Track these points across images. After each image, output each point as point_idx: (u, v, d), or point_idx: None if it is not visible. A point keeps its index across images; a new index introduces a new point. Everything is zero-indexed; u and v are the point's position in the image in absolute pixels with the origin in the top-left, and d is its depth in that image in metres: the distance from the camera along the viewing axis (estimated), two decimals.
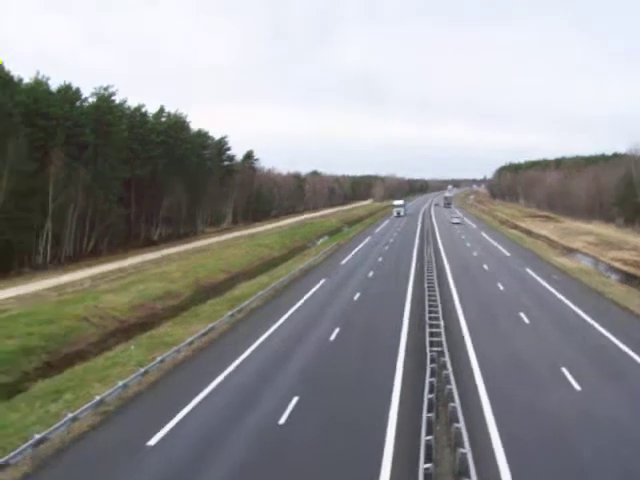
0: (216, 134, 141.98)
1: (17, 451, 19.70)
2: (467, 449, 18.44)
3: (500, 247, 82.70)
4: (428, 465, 17.81)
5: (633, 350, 31.16)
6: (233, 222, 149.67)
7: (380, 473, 18.70)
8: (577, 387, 25.92)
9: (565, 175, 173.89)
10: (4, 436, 21.98)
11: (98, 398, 24.41)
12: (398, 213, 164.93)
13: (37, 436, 20.66)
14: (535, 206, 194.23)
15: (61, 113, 77.37)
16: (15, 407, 25.75)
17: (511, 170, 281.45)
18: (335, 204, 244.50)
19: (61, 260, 76.96)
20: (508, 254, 74.64)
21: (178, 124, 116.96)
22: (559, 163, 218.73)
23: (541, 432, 21.70)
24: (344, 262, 69.74)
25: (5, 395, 28.45)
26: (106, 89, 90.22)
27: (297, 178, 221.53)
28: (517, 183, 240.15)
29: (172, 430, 22.21)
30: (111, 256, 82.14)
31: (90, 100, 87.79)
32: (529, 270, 59.72)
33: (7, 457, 19.20)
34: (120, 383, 26.28)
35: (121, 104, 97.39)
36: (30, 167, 69.09)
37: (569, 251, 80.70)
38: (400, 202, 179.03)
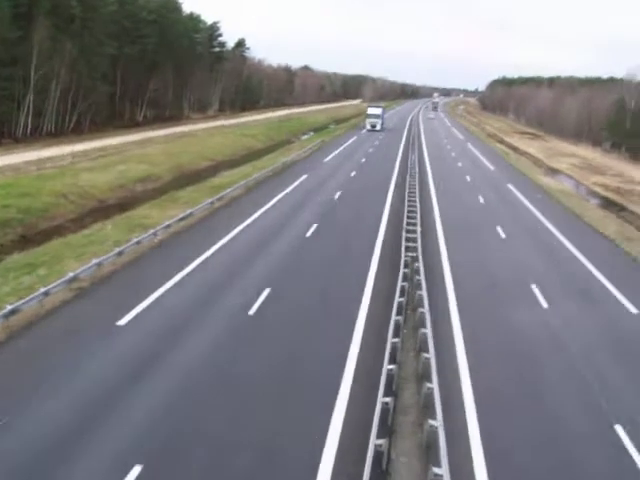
0: (208, 19, 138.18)
1: None
2: (431, 354, 18.93)
3: (485, 160, 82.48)
4: (392, 367, 18.29)
5: (602, 273, 31.66)
6: (220, 110, 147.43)
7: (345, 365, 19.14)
8: (544, 305, 26.42)
9: (558, 94, 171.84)
10: None
11: (72, 274, 24.52)
12: (372, 126, 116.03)
13: (9, 307, 20.82)
14: (524, 123, 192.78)
15: None
16: None
17: (504, 84, 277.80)
18: (324, 101, 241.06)
19: (42, 134, 75.72)
20: (492, 168, 74.55)
21: (170, 4, 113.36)
22: (553, 82, 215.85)
23: (501, 341, 22.45)
24: (327, 159, 69.35)
25: None
26: None
27: (288, 71, 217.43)
28: (509, 98, 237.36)
29: (142, 312, 22.47)
30: (93, 134, 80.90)
31: None
32: (511, 186, 59.82)
33: None
34: (95, 261, 26.38)
35: None
36: (13, 35, 66.91)
37: (553, 171, 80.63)
38: (376, 110, 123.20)
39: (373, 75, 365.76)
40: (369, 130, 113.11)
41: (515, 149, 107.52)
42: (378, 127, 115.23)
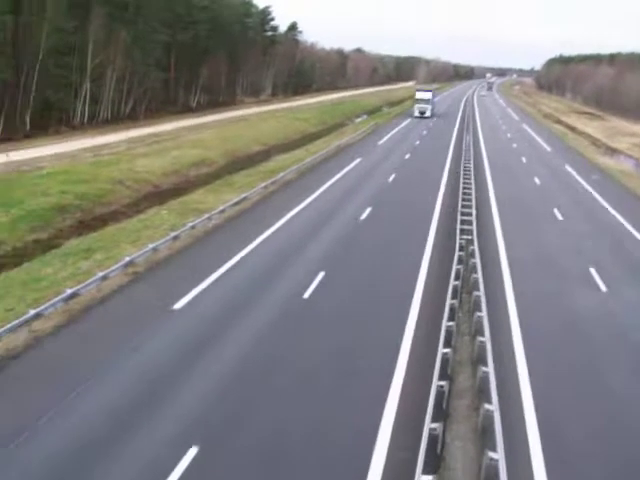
0: (260, 3, 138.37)
1: (50, 303, 20.36)
2: (487, 337, 18.67)
3: (541, 141, 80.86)
4: (446, 350, 18.10)
5: None
6: (272, 94, 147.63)
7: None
8: (603, 288, 25.81)
9: (618, 71, 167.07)
10: (39, 289, 22.69)
11: (128, 259, 24.91)
12: (421, 112, 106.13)
13: (69, 291, 21.27)
14: (582, 102, 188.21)
15: None
16: (49, 262, 26.45)
17: (561, 62, 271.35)
18: (377, 83, 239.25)
19: (98, 121, 76.99)
20: (549, 149, 73.04)
21: None
22: (613, 58, 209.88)
23: (557, 322, 22.04)
24: (381, 142, 68.88)
25: (40, 251, 29.19)
26: None
27: (340, 54, 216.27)
28: (566, 76, 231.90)
29: (198, 296, 22.66)
30: (148, 121, 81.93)
31: None
32: (568, 167, 58.53)
33: (41, 308, 19.85)
34: (150, 246, 26.73)
35: None
36: (70, 24, 68.00)
37: (612, 151, 78.61)
38: (426, 94, 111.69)
39: (426, 57, 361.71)
40: (417, 117, 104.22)
41: (573, 129, 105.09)
42: (428, 113, 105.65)
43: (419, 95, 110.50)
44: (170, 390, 16.33)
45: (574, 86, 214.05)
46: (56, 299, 20.68)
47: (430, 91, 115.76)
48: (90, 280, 22.50)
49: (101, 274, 23.04)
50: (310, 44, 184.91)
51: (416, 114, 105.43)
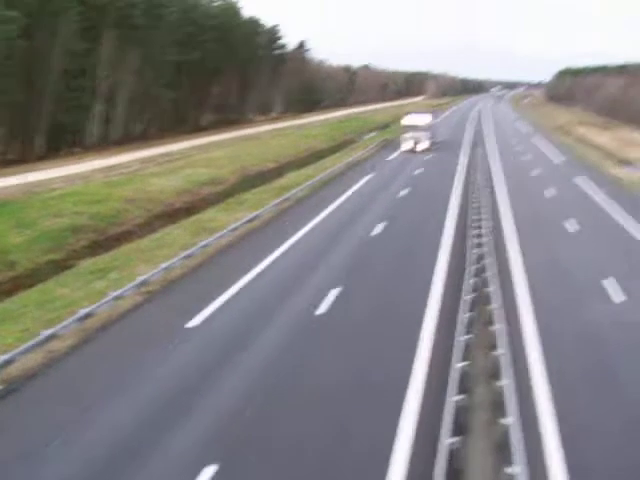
0: (268, 22, 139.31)
1: (65, 323, 20.42)
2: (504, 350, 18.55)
3: (551, 154, 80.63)
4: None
5: None
6: (282, 111, 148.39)
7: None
8: (616, 300, 25.62)
9: (629, 81, 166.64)
10: (53, 309, 22.74)
11: (141, 278, 24.98)
12: (413, 144, 73.07)
13: (83, 311, 21.34)
14: (594, 113, 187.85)
15: None
16: (63, 283, 26.55)
17: (571, 74, 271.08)
18: (387, 99, 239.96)
19: (110, 142, 77.57)
20: (559, 161, 72.84)
21: (230, 9, 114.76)
22: (623, 69, 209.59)
23: (570, 331, 21.90)
24: (391, 158, 68.86)
25: (54, 271, 29.35)
26: None
27: (348, 71, 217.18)
28: (576, 88, 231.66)
29: (212, 314, 22.66)
30: (159, 140, 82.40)
31: None
32: (579, 179, 58.29)
33: (56, 328, 19.92)
34: (163, 265, 26.80)
35: None
36: (81, 47, 68.74)
37: (625, 162, 78.29)
38: (421, 118, 78.14)
39: (435, 71, 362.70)
40: (406, 151, 72.32)
41: (584, 141, 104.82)
42: (424, 145, 72.60)
43: (410, 120, 76.42)
44: (185, 411, 16.30)
45: (585, 97, 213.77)
46: (71, 319, 20.74)
47: (428, 114, 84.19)
48: (104, 300, 22.57)
49: (115, 294, 23.10)
50: (319, 61, 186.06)
51: (404, 148, 72.81)
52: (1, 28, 57.42)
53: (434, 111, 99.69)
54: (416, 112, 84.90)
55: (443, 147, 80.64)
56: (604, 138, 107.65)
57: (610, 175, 62.53)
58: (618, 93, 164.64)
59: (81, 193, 43.31)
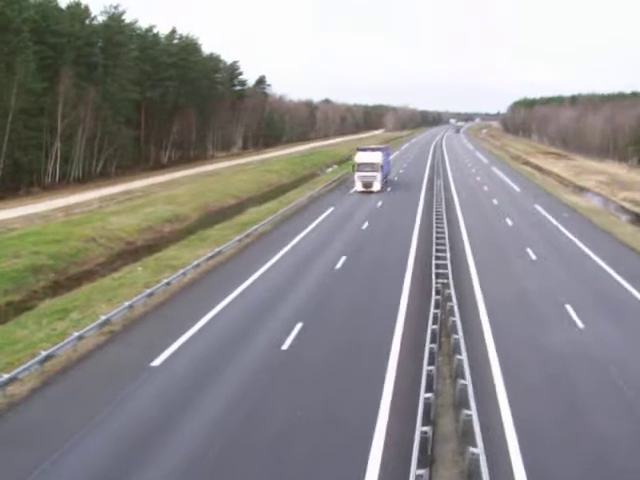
0: (228, 58, 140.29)
1: (25, 366, 20.03)
2: (468, 381, 18.64)
3: (510, 182, 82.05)
4: (429, 395, 18.01)
5: (637, 290, 31.12)
6: (243, 147, 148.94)
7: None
8: (580, 325, 25.97)
9: (580, 112, 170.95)
10: (13, 352, 22.38)
11: (104, 318, 24.66)
12: (366, 185, 68.19)
13: (44, 353, 20.95)
14: (548, 143, 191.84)
15: (71, 30, 76.23)
16: (23, 324, 26.15)
17: (526, 105, 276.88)
18: (347, 132, 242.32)
19: (70, 181, 77.00)
20: (518, 189, 74.09)
21: (190, 47, 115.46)
22: (575, 100, 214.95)
23: (537, 361, 22.02)
24: (352, 191, 69.29)
25: (13, 313, 28.85)
26: (116, 8, 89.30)
27: (309, 105, 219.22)
28: (531, 119, 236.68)
29: (176, 352, 22.45)
30: (120, 178, 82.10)
31: (99, 19, 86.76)
32: (538, 207, 59.32)
33: (15, 372, 19.54)
34: (126, 304, 26.51)
35: (131, 24, 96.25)
36: (39, 86, 68.43)
37: (580, 189, 79.98)
38: (373, 156, 70.49)
39: (394, 104, 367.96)
40: (361, 192, 67.06)
41: (540, 169, 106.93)
42: (377, 186, 67.52)
43: (362, 158, 69.22)
44: (150, 452, 16.04)
45: (539, 128, 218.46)
46: (31, 362, 20.36)
47: (381, 150, 73.87)
48: (66, 341, 22.22)
49: (77, 334, 22.74)
50: (279, 96, 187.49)
51: (358, 188, 67.80)
52: None
53: (387, 147, 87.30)
54: (367, 149, 75.91)
55: (407, 175, 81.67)
56: (559, 167, 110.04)
57: (566, 202, 63.76)
58: (571, 124, 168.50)
59: (41, 233, 42.79)
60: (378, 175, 67.87)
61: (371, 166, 67.75)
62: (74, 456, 15.78)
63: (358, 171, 68.12)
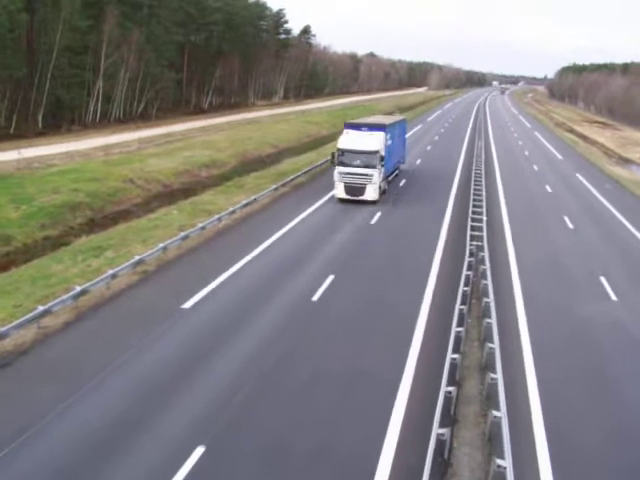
0: (274, 6, 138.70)
1: (59, 300, 20.38)
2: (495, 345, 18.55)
3: (553, 149, 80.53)
4: (455, 356, 17.98)
5: None
6: (284, 97, 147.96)
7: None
8: (614, 297, 25.62)
9: (631, 81, 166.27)
10: (48, 286, 22.75)
11: (138, 257, 24.92)
12: (350, 192, 38.85)
13: (78, 288, 21.28)
14: (594, 111, 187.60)
15: None
16: (59, 259, 26.55)
17: (574, 71, 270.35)
18: (389, 88, 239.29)
19: (110, 120, 77.31)
20: (560, 157, 72.73)
21: None
22: (627, 68, 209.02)
23: (567, 331, 21.86)
24: None
25: (50, 247, 29.31)
26: None
27: (353, 58, 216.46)
28: (579, 85, 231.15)
29: (207, 295, 22.64)
30: (160, 121, 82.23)
31: None
32: (580, 176, 58.22)
33: (50, 305, 19.87)
34: (160, 245, 26.73)
35: None
36: (84, 23, 68.34)
37: (625, 161, 78.29)
38: (368, 140, 39.80)
39: (439, 62, 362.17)
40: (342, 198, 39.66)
41: (585, 138, 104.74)
42: (370, 195, 39.14)
43: (348, 143, 40.10)
44: (177, 391, 16.27)
45: (586, 95, 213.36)
46: (65, 296, 20.70)
47: (384, 129, 42.74)
48: (100, 278, 22.52)
49: (111, 272, 23.04)
50: (323, 47, 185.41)
51: (339, 193, 39.60)
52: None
53: (399, 120, 53.33)
54: (362, 125, 43.67)
55: (447, 134, 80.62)
56: (604, 137, 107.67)
57: (609, 173, 62.47)
58: (620, 93, 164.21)
59: (80, 170, 43.17)
60: (374, 173, 39.30)
61: (362, 157, 39.48)
62: (98, 393, 16.03)
63: (340, 165, 39.71)
